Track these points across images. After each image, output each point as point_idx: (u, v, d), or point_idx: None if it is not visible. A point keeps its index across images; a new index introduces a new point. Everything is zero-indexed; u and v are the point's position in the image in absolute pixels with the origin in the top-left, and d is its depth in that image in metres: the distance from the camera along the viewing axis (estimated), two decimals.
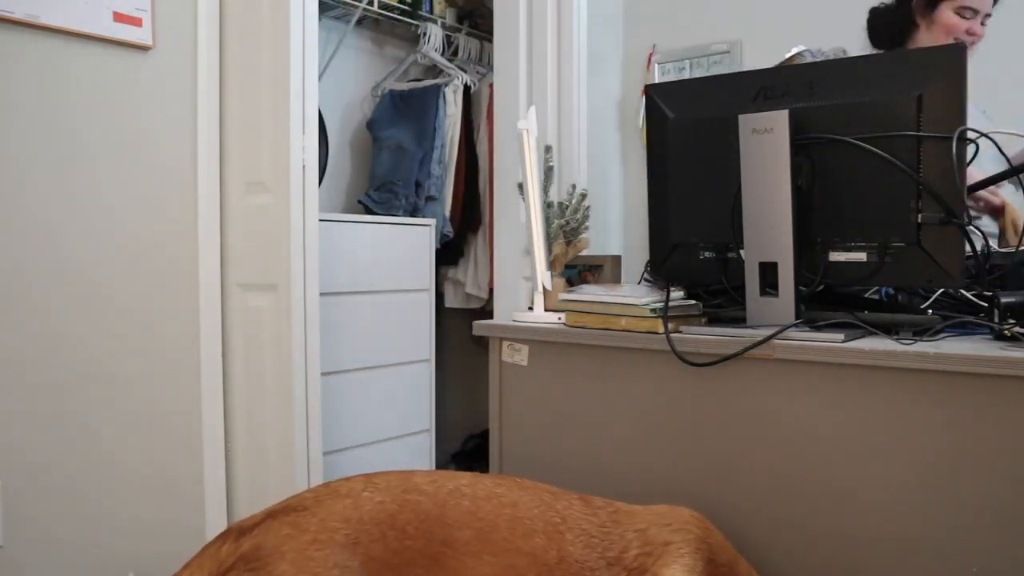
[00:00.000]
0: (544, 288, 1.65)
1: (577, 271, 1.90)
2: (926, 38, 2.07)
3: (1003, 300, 1.23)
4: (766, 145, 1.29)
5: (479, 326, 1.69)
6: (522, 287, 2.78)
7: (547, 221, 1.68)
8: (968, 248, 1.26)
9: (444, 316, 3.27)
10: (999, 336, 1.22)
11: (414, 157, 3.08)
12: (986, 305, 1.31)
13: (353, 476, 1.23)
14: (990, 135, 1.27)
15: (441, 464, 3.07)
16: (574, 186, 1.74)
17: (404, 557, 1.11)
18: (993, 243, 1.52)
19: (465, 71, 3.23)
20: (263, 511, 1.17)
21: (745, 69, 1.62)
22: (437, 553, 1.12)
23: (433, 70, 3.35)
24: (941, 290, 1.40)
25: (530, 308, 1.67)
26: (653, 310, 1.41)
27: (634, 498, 1.43)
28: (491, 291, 3.12)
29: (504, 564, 1.12)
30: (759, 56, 2.63)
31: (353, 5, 2.97)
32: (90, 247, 2.01)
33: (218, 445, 2.26)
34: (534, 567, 1.12)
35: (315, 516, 1.12)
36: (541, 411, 1.59)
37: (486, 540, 1.13)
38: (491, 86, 3.11)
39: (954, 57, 1.21)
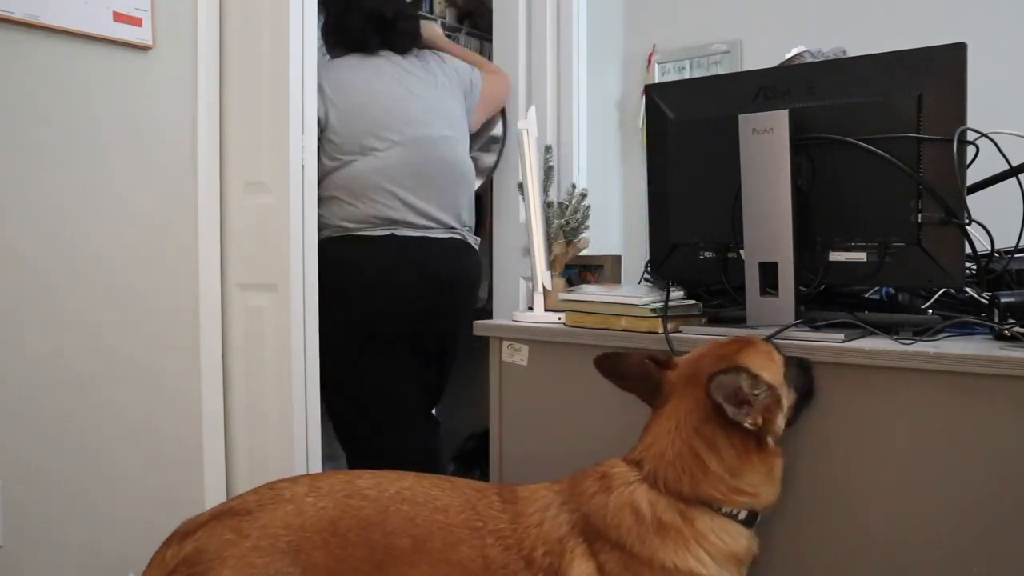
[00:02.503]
0: (544, 288, 1.65)
1: (577, 271, 1.90)
2: None
3: (1003, 300, 1.23)
4: (766, 145, 1.29)
5: (479, 326, 1.69)
6: (522, 287, 2.78)
7: (547, 221, 1.68)
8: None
9: None
10: (999, 336, 1.22)
11: None
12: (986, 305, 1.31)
13: (299, 477, 1.23)
14: (990, 135, 1.27)
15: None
16: (574, 186, 1.74)
17: (347, 564, 1.11)
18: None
19: None
20: (208, 512, 1.17)
21: (745, 69, 1.62)
22: (380, 561, 1.11)
23: None
24: (942, 290, 1.40)
25: (530, 308, 1.67)
26: (653, 310, 1.41)
27: None
28: (491, 291, 3.12)
29: (439, 575, 1.11)
30: (759, 56, 2.63)
31: None
32: (90, 246, 2.01)
33: (218, 445, 2.26)
34: None
35: (257, 521, 1.11)
36: (541, 411, 1.59)
37: (422, 550, 1.12)
38: None
39: (954, 57, 1.21)
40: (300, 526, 1.11)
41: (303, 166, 2.12)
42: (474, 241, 2.45)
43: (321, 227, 2.19)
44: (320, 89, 2.17)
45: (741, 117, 1.32)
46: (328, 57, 2.43)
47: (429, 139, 2.27)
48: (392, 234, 2.23)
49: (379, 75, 2.31)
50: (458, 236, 2.35)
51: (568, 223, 1.68)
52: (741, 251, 1.36)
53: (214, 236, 2.25)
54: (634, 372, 1.26)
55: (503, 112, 2.73)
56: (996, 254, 1.38)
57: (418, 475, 1.24)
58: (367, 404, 2.27)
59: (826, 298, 1.45)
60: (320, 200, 2.19)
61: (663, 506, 1.12)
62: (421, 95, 2.33)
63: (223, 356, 2.27)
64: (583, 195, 1.70)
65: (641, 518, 1.12)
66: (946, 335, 1.28)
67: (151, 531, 2.11)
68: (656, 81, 2.90)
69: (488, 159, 2.75)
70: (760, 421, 1.12)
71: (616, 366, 1.28)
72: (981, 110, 1.26)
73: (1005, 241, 1.36)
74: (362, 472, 1.22)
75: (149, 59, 2.11)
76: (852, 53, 1.64)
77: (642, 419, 1.43)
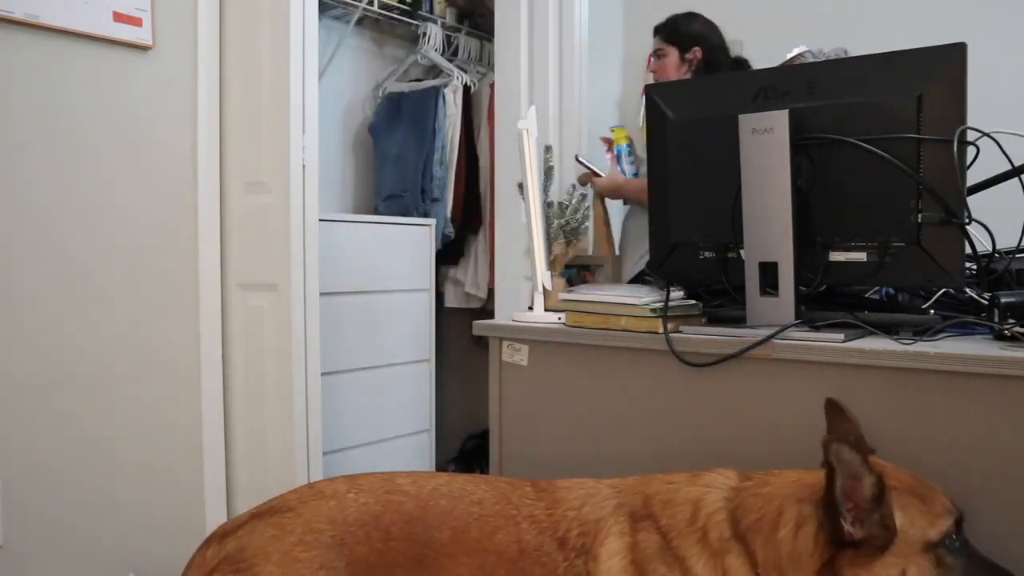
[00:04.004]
0: (544, 288, 1.65)
1: (577, 271, 1.90)
2: None
3: (1003, 300, 1.23)
4: (766, 145, 1.29)
5: (479, 326, 1.69)
6: (522, 287, 2.78)
7: (547, 221, 1.68)
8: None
9: (444, 316, 3.27)
10: (999, 336, 1.22)
11: (416, 166, 3.09)
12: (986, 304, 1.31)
13: (336, 477, 1.23)
14: (991, 135, 1.27)
15: (440, 466, 3.06)
16: (574, 186, 1.74)
17: (388, 558, 1.11)
18: None
19: (465, 71, 3.22)
20: (247, 512, 1.17)
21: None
22: (419, 554, 1.12)
23: (433, 70, 3.35)
24: (943, 290, 1.40)
25: (530, 308, 1.67)
26: (653, 310, 1.41)
27: None
28: (491, 291, 3.12)
29: (477, 565, 1.12)
30: (759, 56, 2.63)
31: (353, 5, 2.97)
32: (90, 247, 2.01)
33: (218, 445, 2.26)
34: (502, 564, 1.13)
35: (300, 517, 1.12)
36: (541, 411, 1.58)
37: (460, 540, 1.13)
38: (491, 86, 3.10)
39: (954, 57, 1.21)
40: (344, 520, 1.12)
41: (303, 166, 2.12)
42: None
43: None
44: None
45: (741, 117, 1.31)
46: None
47: None
48: None
49: None
50: None
51: (568, 223, 1.68)
52: (741, 251, 1.36)
53: (214, 236, 2.25)
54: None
55: None
56: (996, 254, 1.38)
57: (451, 474, 1.27)
58: None
59: (826, 298, 1.45)
60: None
61: (719, 524, 1.10)
62: None
63: (223, 356, 2.27)
64: (583, 195, 1.70)
65: (695, 519, 1.11)
66: (946, 335, 1.28)
67: (151, 530, 2.12)
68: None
69: None
70: (856, 535, 0.97)
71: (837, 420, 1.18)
72: (981, 110, 1.26)
73: (1008, 241, 1.36)
74: (395, 472, 1.24)
75: (149, 59, 2.11)
76: (852, 53, 1.64)
77: (642, 419, 1.43)
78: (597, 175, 2.64)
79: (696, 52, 2.50)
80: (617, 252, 2.60)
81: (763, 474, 1.15)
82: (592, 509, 1.17)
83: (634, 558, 1.11)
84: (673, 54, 2.54)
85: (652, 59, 2.60)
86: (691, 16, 2.57)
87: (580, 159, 2.69)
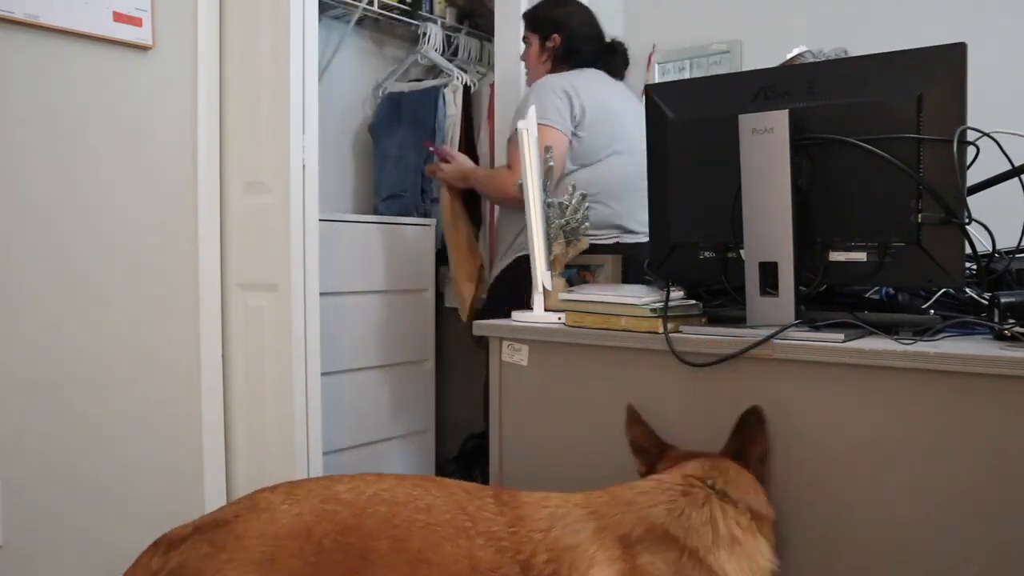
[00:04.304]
0: (544, 288, 1.65)
1: (577, 271, 1.90)
2: None
3: (1003, 300, 1.23)
4: (766, 145, 1.29)
5: (479, 326, 1.69)
6: None
7: (547, 221, 1.68)
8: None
9: (444, 316, 3.27)
10: (999, 336, 1.22)
11: (416, 166, 3.09)
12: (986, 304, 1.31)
13: (278, 485, 1.20)
14: (991, 135, 1.27)
15: (440, 466, 3.06)
16: (574, 186, 1.73)
17: (322, 571, 1.08)
18: None
19: (465, 71, 3.22)
20: (193, 523, 1.15)
21: (745, 69, 1.62)
22: (354, 567, 1.08)
23: (433, 70, 3.35)
24: (943, 290, 1.40)
25: (530, 308, 1.67)
26: (653, 310, 1.41)
27: None
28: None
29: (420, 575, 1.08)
30: (759, 56, 2.63)
31: (353, 5, 2.97)
32: (91, 246, 2.01)
33: (218, 445, 2.27)
34: None
35: (232, 533, 1.09)
36: (541, 411, 1.58)
37: (400, 551, 1.09)
38: (491, 86, 3.10)
39: (954, 57, 1.21)
40: (274, 535, 1.09)
41: (303, 166, 2.12)
42: None
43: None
44: (575, 89, 2.22)
45: (741, 117, 1.31)
46: (550, 68, 2.44)
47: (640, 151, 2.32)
48: (617, 242, 2.26)
49: (615, 88, 2.41)
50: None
51: (568, 223, 1.68)
52: (741, 251, 1.36)
53: (214, 236, 2.25)
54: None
55: None
56: (996, 254, 1.38)
57: (399, 476, 1.21)
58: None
59: (826, 298, 1.45)
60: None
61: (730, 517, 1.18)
62: (638, 111, 2.44)
63: (223, 356, 2.28)
64: (583, 195, 1.70)
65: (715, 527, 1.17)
66: (946, 335, 1.28)
67: (151, 530, 2.11)
68: (656, 81, 2.89)
69: None
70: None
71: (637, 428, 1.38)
72: (981, 110, 1.26)
73: (1008, 241, 1.36)
74: (339, 477, 1.20)
75: (149, 59, 2.11)
76: (852, 53, 1.64)
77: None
78: (445, 160, 2.50)
79: (555, 39, 2.39)
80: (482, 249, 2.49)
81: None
82: (563, 533, 1.11)
83: None
84: (535, 42, 2.43)
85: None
86: (556, 1, 2.44)
87: (429, 143, 2.55)
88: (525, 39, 2.48)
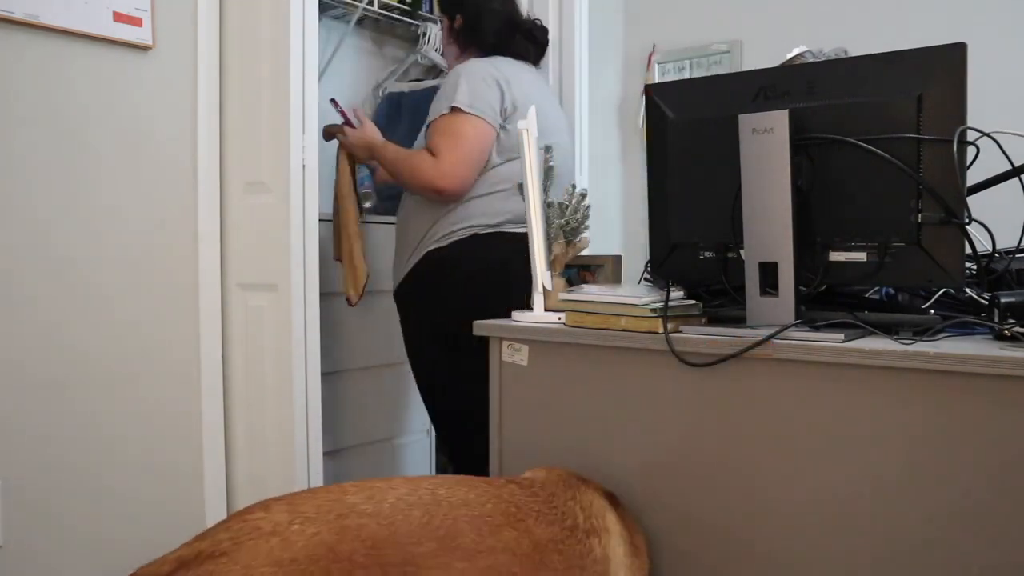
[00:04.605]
0: (544, 288, 1.65)
1: (577, 271, 1.90)
2: None
3: (1003, 300, 1.23)
4: (766, 145, 1.29)
5: (479, 326, 1.69)
6: None
7: (547, 221, 1.68)
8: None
9: None
10: (999, 336, 1.22)
11: None
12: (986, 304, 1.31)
13: (271, 503, 1.04)
14: (991, 135, 1.27)
15: (440, 466, 3.06)
16: (574, 186, 1.74)
17: None
18: None
19: None
20: (173, 557, 0.96)
21: (745, 69, 1.62)
22: (401, 574, 1.00)
23: (433, 70, 3.35)
24: (943, 290, 1.40)
25: (530, 308, 1.67)
26: (653, 310, 1.41)
27: (636, 496, 1.43)
28: None
29: (481, 567, 1.04)
30: (759, 56, 2.64)
31: (353, 5, 2.97)
32: (90, 247, 2.01)
33: (218, 445, 2.27)
34: (516, 561, 1.06)
35: (237, 564, 0.92)
36: (541, 411, 1.59)
37: (452, 548, 1.03)
38: None
39: (954, 57, 1.21)
40: (291, 560, 0.94)
41: (303, 166, 2.12)
42: None
43: (459, 222, 2.12)
44: (507, 82, 2.13)
45: (741, 117, 1.31)
46: (462, 56, 2.34)
47: (561, 145, 2.26)
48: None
49: (536, 78, 2.33)
50: None
51: (568, 223, 1.68)
52: (741, 251, 1.36)
53: (214, 236, 2.25)
54: None
55: None
56: (996, 254, 1.38)
57: (407, 479, 1.16)
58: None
59: (826, 298, 1.45)
60: (478, 197, 2.12)
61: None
62: (553, 102, 2.39)
63: (223, 356, 2.28)
64: (583, 195, 1.70)
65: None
66: (946, 335, 1.28)
67: (151, 531, 2.12)
68: (656, 81, 2.90)
69: None
70: None
71: None
72: (981, 110, 1.26)
73: (1008, 241, 1.36)
74: (343, 487, 1.09)
75: (149, 59, 2.11)
76: (853, 53, 1.64)
77: (642, 419, 1.43)
78: (351, 125, 2.31)
79: (459, 20, 2.27)
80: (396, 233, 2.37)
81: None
82: (577, 493, 1.28)
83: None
84: (446, 23, 2.33)
85: None
86: None
87: (335, 101, 2.35)
88: (440, 20, 2.36)
